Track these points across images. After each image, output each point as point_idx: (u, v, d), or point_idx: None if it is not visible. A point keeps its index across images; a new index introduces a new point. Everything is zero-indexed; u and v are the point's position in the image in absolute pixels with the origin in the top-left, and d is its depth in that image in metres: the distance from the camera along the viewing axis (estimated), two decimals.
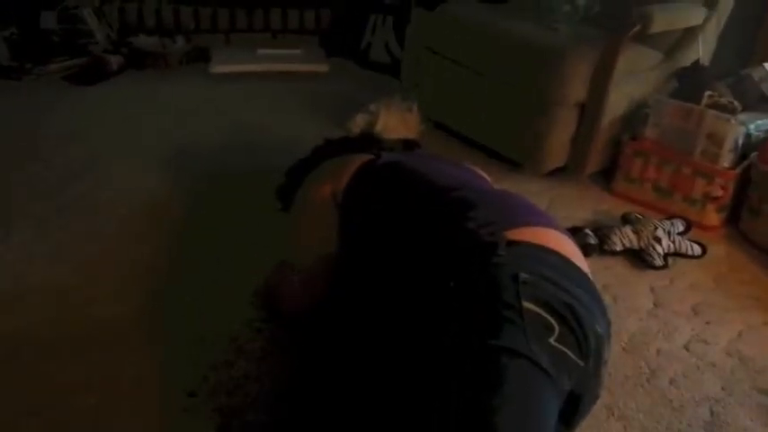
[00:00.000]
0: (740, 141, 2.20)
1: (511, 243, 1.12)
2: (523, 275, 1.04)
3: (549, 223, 1.24)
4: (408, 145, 2.06)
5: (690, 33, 2.52)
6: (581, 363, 1.05)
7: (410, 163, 1.53)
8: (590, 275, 1.18)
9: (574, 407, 1.12)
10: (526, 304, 1.01)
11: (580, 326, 1.04)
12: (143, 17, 3.50)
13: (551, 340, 1.01)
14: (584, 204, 2.37)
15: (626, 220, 2.18)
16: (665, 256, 2.02)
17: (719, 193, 2.21)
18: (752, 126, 2.27)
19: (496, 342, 0.98)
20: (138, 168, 2.32)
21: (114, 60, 3.21)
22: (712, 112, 2.20)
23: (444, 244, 1.20)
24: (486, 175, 1.71)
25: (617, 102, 2.34)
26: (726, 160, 2.20)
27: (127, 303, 1.65)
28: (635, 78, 2.40)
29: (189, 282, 1.75)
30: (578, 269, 1.16)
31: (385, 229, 1.36)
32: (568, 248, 1.19)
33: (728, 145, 2.18)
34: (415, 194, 1.39)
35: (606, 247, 2.04)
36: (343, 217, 1.50)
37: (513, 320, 1.00)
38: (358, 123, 2.68)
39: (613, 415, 1.45)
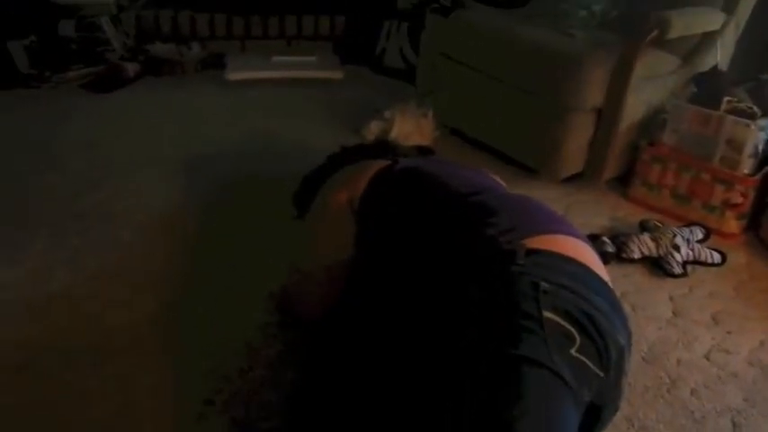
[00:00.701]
0: (760, 147, 2.17)
1: (530, 252, 1.10)
2: (543, 285, 1.02)
3: (569, 231, 1.22)
4: (423, 151, 2.05)
5: (708, 38, 2.49)
6: (601, 374, 1.03)
7: (428, 168, 1.52)
8: (610, 284, 1.17)
9: (594, 418, 1.10)
10: (546, 314, 1.00)
11: (601, 336, 1.03)
12: (159, 25, 3.53)
13: (572, 351, 0.99)
14: (601, 211, 2.35)
15: (644, 227, 2.16)
16: (684, 264, 1.99)
17: (739, 199, 2.18)
18: None
19: (516, 351, 0.96)
20: (154, 176, 2.33)
21: (131, 68, 3.25)
22: (732, 117, 2.17)
23: (463, 251, 1.18)
24: (503, 182, 1.69)
25: (634, 107, 2.32)
26: (746, 166, 2.17)
27: (143, 311, 1.65)
28: (652, 83, 2.38)
29: (204, 289, 1.75)
30: (599, 278, 1.14)
31: (402, 235, 1.35)
32: (589, 257, 1.17)
33: (748, 151, 2.15)
34: (433, 199, 1.38)
35: (624, 255, 2.02)
36: (360, 224, 1.50)
37: (534, 330, 0.98)
38: (372, 130, 2.68)
39: (633, 426, 1.43)
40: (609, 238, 2.06)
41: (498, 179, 1.68)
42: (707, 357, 1.67)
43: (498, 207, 1.25)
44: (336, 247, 1.51)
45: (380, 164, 1.60)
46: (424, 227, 1.32)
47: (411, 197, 1.43)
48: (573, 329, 1.01)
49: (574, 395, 0.98)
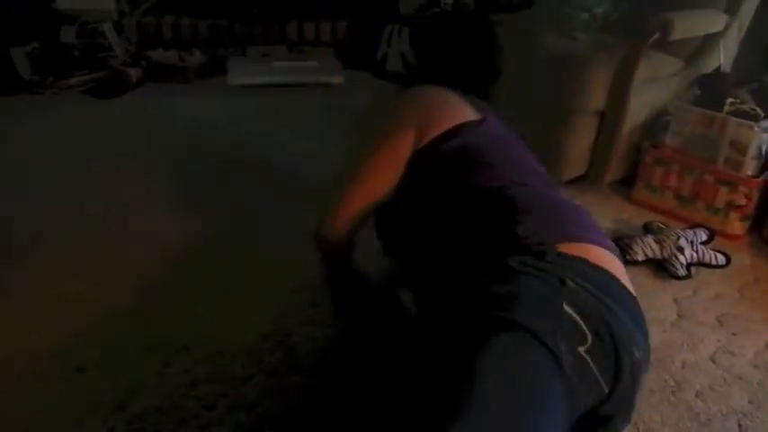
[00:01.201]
0: (764, 149, 2.17)
1: (559, 254, 1.08)
2: (569, 282, 1.01)
3: (599, 240, 1.18)
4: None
5: (711, 40, 2.49)
6: (604, 386, 1.00)
7: (480, 150, 1.34)
8: (635, 297, 1.13)
9: (603, 427, 1.06)
10: (566, 307, 0.98)
11: (615, 350, 1.00)
12: (161, 31, 3.54)
13: (581, 349, 0.97)
14: (604, 213, 2.34)
15: (648, 229, 2.15)
16: (689, 266, 1.98)
17: (743, 201, 2.17)
18: None
19: (520, 320, 0.94)
20: (155, 181, 2.33)
21: (133, 73, 3.26)
22: (735, 119, 2.17)
23: (490, 246, 1.15)
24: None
25: (637, 109, 2.31)
26: (749, 168, 2.16)
27: (146, 317, 1.65)
28: (655, 86, 2.37)
29: (204, 294, 1.74)
30: (624, 289, 1.11)
31: (434, 221, 1.30)
32: (616, 268, 1.14)
33: (752, 152, 2.14)
34: (471, 189, 1.29)
35: (628, 257, 2.01)
36: (404, 185, 1.38)
37: (548, 314, 0.97)
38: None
39: (638, 429, 1.41)
40: (612, 241, 2.05)
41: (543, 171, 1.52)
42: (712, 360, 1.66)
43: (532, 206, 1.21)
44: (380, 180, 1.39)
45: (467, 113, 1.39)
46: (454, 217, 1.27)
47: (452, 184, 1.32)
48: (587, 330, 0.98)
49: (570, 388, 0.95)
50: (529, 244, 1.09)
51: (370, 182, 1.41)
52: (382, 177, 1.39)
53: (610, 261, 1.14)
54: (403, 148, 1.37)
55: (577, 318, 0.98)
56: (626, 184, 2.48)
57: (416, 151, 1.35)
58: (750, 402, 1.52)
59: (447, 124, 1.35)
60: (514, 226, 1.14)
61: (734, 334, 1.76)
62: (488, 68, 1.67)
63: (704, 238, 2.13)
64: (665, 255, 1.99)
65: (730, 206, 2.19)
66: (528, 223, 1.14)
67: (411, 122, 1.38)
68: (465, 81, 1.57)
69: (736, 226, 2.21)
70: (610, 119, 2.31)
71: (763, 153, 2.17)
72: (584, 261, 1.09)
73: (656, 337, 1.72)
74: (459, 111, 1.39)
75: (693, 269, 1.99)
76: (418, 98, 1.44)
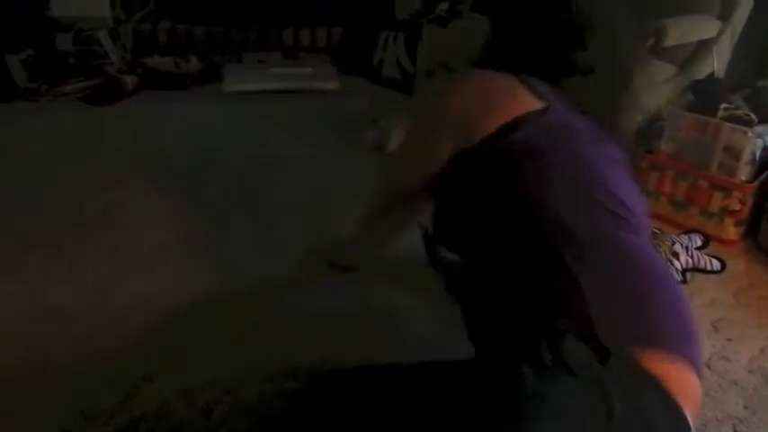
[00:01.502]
0: (758, 154, 2.18)
1: (626, 362, 0.88)
2: (618, 408, 0.82)
3: (685, 351, 0.96)
4: None
5: (704, 46, 2.50)
6: None
7: (544, 144, 1.12)
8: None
9: None
10: None
11: None
12: (157, 37, 3.55)
13: None
14: None
15: None
16: (684, 271, 1.99)
17: (737, 206, 2.18)
18: None
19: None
20: (152, 188, 2.33)
21: (129, 81, 3.26)
22: (729, 124, 2.18)
23: (547, 305, 0.97)
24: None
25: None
26: (743, 173, 2.17)
27: (142, 324, 1.64)
28: (649, 92, 2.38)
29: (203, 299, 1.74)
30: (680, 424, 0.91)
31: (493, 230, 1.12)
32: (691, 400, 0.93)
33: (746, 157, 2.15)
34: (535, 200, 1.08)
35: None
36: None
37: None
38: (369, 140, 2.68)
39: None
40: None
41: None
42: (707, 365, 1.66)
43: (609, 271, 0.99)
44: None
45: (526, 102, 1.15)
46: (513, 242, 1.06)
47: (512, 190, 1.11)
48: None
49: None
50: (593, 332, 0.89)
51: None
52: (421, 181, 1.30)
53: (687, 390, 0.93)
54: (439, 161, 1.21)
55: None
56: None
57: (468, 150, 1.16)
58: (745, 408, 1.52)
59: (505, 117, 1.13)
60: (582, 297, 0.94)
61: (729, 339, 1.76)
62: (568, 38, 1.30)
63: (699, 243, 2.14)
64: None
65: (725, 211, 2.20)
66: (600, 300, 0.94)
67: (451, 128, 1.20)
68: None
69: (731, 231, 2.21)
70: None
71: (757, 158, 2.18)
72: (653, 383, 0.88)
73: None
74: (517, 100, 1.16)
75: (689, 275, 1.99)
76: (466, 91, 1.23)
